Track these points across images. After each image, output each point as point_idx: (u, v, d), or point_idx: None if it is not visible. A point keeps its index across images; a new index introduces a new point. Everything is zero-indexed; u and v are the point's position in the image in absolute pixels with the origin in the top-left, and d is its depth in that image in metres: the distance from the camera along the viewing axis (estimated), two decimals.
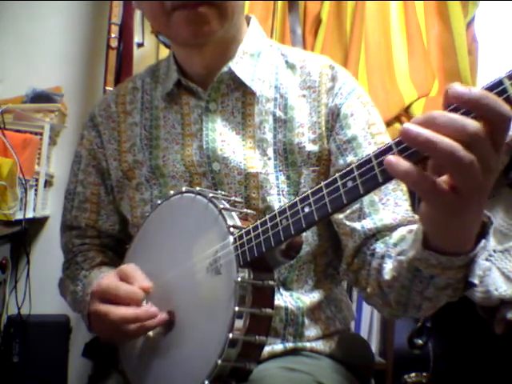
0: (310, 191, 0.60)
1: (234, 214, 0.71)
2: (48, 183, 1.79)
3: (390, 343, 1.78)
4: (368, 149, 0.84)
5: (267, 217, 0.64)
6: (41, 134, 1.65)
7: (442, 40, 1.75)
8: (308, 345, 0.86)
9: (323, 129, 0.86)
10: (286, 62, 0.91)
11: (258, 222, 0.65)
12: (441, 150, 0.47)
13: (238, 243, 0.67)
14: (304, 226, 0.61)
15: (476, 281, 0.67)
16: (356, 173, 0.55)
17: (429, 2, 1.77)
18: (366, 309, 1.86)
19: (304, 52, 0.96)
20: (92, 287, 0.80)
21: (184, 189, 0.78)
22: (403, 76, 1.73)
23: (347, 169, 0.56)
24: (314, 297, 0.88)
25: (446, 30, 1.74)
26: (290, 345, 0.85)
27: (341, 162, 0.84)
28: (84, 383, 1.58)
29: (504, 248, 1.37)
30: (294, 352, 0.85)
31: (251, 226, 0.66)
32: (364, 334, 1.84)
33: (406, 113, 1.71)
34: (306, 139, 0.86)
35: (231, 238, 0.68)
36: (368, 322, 1.87)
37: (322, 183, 0.58)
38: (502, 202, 1.41)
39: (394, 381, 1.78)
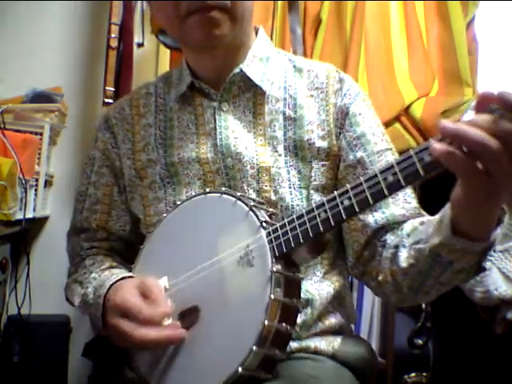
0: (348, 186, 0.65)
1: (262, 211, 0.75)
2: (48, 183, 1.79)
3: (389, 343, 1.78)
4: (378, 144, 0.90)
5: (304, 211, 0.69)
6: (41, 134, 1.65)
7: (442, 40, 1.75)
8: (312, 345, 0.87)
9: (332, 126, 0.91)
10: (294, 66, 0.96)
11: (294, 216, 0.70)
12: (472, 139, 0.54)
13: (272, 236, 0.71)
14: (344, 217, 0.65)
15: (487, 267, 0.72)
16: (397, 168, 0.60)
17: (429, 2, 1.77)
18: (366, 309, 1.85)
19: (310, 60, 1.03)
20: (113, 300, 0.79)
21: (208, 189, 0.83)
22: (403, 76, 1.73)
23: (386, 165, 0.61)
24: (323, 289, 0.90)
25: (446, 30, 1.74)
26: (294, 345, 0.86)
27: (351, 157, 0.90)
28: (84, 383, 1.58)
29: (504, 248, 1.37)
30: (298, 353, 0.86)
31: (287, 220, 0.70)
32: (364, 334, 1.84)
33: (406, 113, 1.70)
34: (315, 136, 0.90)
35: (264, 232, 0.72)
36: (368, 322, 1.86)
37: (362, 178, 0.64)
38: None
39: (394, 381, 1.77)
